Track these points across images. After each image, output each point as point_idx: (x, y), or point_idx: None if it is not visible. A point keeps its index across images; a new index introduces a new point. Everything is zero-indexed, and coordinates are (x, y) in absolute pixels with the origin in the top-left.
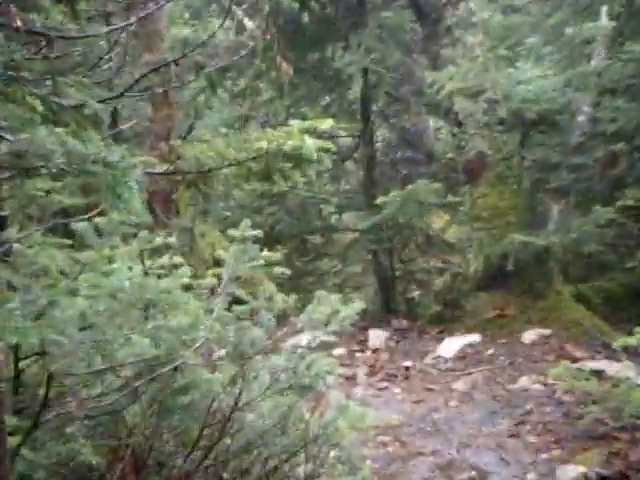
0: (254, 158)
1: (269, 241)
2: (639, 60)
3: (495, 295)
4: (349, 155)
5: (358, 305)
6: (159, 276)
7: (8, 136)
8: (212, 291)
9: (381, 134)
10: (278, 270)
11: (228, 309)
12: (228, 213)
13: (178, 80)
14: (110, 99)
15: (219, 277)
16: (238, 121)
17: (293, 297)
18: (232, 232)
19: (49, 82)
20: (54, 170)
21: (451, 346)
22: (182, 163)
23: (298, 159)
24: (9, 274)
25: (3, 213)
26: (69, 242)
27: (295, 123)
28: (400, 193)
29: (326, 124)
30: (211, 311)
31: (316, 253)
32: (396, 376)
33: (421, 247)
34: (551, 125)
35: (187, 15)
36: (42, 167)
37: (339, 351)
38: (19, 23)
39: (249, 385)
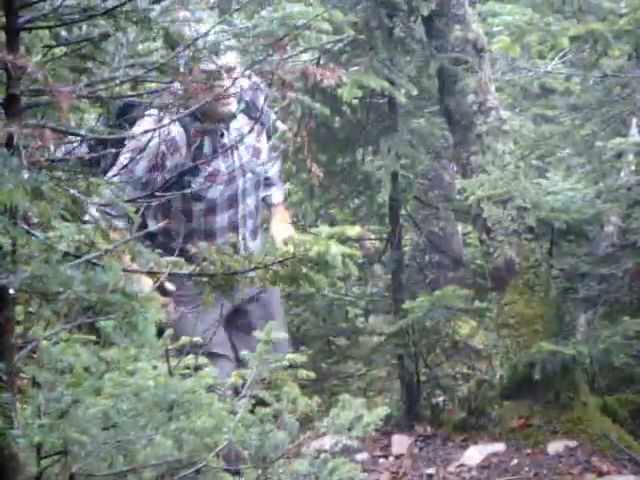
0: (280, 262)
1: (295, 343)
2: None
3: (521, 404)
4: (377, 258)
5: (383, 411)
6: (184, 376)
7: (38, 233)
8: (236, 392)
9: (409, 238)
10: (302, 372)
11: (252, 411)
12: None
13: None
14: (142, 198)
15: (243, 378)
16: (265, 223)
17: (317, 400)
18: (257, 334)
19: (82, 182)
20: (72, 297)
21: (475, 454)
22: (208, 265)
23: (323, 265)
24: (35, 371)
25: (30, 310)
26: (94, 339)
27: (323, 229)
28: (428, 298)
29: (354, 231)
30: (235, 413)
31: (341, 355)
32: None
33: (447, 352)
34: (579, 235)
35: None
36: (60, 294)
37: (362, 456)
38: (52, 146)
39: None
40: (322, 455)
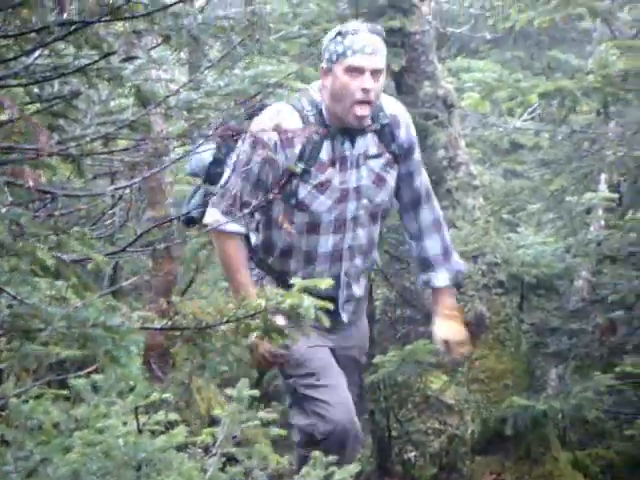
0: (252, 315)
1: (267, 399)
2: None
3: (492, 459)
4: None
5: (354, 467)
6: (154, 433)
7: (9, 289)
8: (206, 450)
9: (381, 292)
10: (274, 430)
11: (222, 469)
12: (225, 368)
13: (180, 236)
14: (112, 254)
15: (214, 436)
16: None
17: (288, 458)
18: (229, 391)
19: (52, 238)
20: (54, 334)
21: None
22: (180, 319)
23: (295, 317)
24: (3, 429)
25: (1, 366)
26: (65, 394)
27: (297, 281)
28: (399, 352)
29: (326, 283)
30: (205, 471)
31: None
32: None
33: (419, 407)
34: (550, 289)
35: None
36: (41, 330)
37: None
38: (31, 183)
39: None
40: None
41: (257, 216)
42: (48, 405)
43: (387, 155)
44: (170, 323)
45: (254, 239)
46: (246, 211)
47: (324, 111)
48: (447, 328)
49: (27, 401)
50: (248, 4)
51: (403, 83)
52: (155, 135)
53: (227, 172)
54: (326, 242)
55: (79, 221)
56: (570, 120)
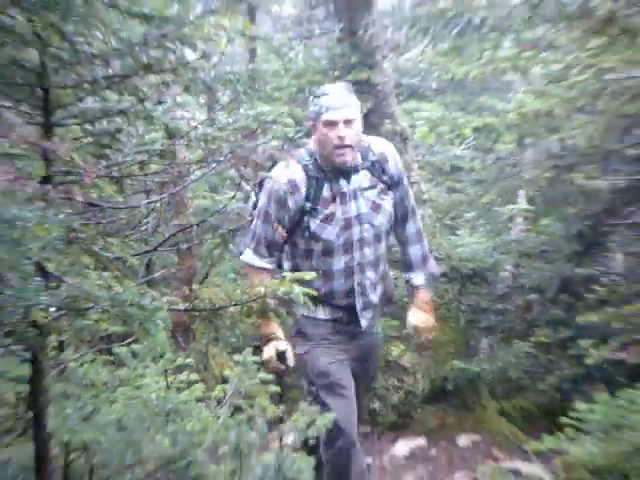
0: (254, 300)
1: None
2: (549, 233)
3: (437, 408)
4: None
5: (331, 415)
6: (179, 389)
7: (68, 279)
8: (219, 402)
9: None
10: (271, 387)
11: (231, 416)
12: (234, 340)
13: (198, 238)
14: (146, 252)
15: (225, 391)
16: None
17: (282, 408)
18: (236, 357)
19: (100, 241)
20: (100, 311)
21: (403, 447)
22: (199, 302)
23: (288, 301)
24: (65, 386)
25: (62, 338)
26: (111, 359)
27: (288, 274)
28: None
29: (310, 276)
30: (218, 418)
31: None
32: None
33: (382, 369)
34: (482, 279)
35: (207, 189)
36: (91, 309)
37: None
38: (80, 197)
39: (245, 477)
40: (286, 450)
41: (286, 248)
42: (98, 368)
43: (380, 185)
44: (191, 306)
45: (286, 265)
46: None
47: (318, 159)
48: (418, 317)
49: (82, 365)
50: (250, 62)
51: (369, 121)
52: (179, 161)
53: (254, 219)
54: (339, 262)
55: (121, 227)
56: (496, 149)
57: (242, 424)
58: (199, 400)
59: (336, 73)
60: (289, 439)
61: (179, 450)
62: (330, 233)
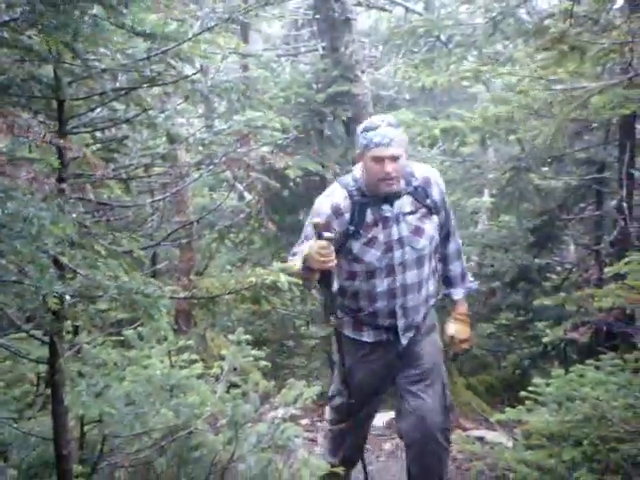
0: (247, 288)
1: (257, 344)
2: (509, 227)
3: None
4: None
5: (317, 388)
6: (181, 367)
7: (81, 270)
8: (216, 378)
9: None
10: (263, 364)
11: (227, 391)
12: (230, 324)
13: (198, 233)
14: (151, 246)
15: (221, 368)
16: (238, 262)
17: (272, 383)
18: (231, 337)
19: (110, 236)
20: (109, 299)
21: (382, 418)
22: (197, 291)
23: (276, 289)
24: (79, 366)
25: (77, 323)
26: (121, 342)
27: (276, 265)
28: None
29: (297, 267)
30: (215, 392)
31: (290, 353)
32: None
33: None
34: None
35: (205, 189)
36: (101, 296)
37: (304, 421)
38: (92, 197)
39: (241, 445)
40: (276, 421)
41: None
42: (109, 349)
43: (422, 209)
44: (191, 294)
45: (334, 287)
46: None
47: (363, 186)
48: (455, 328)
49: (95, 346)
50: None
51: (350, 128)
52: (180, 164)
53: (301, 236)
54: (382, 284)
55: (128, 224)
56: (461, 151)
57: (237, 398)
58: (199, 377)
59: (319, 86)
60: (279, 411)
61: (181, 421)
62: (372, 256)
